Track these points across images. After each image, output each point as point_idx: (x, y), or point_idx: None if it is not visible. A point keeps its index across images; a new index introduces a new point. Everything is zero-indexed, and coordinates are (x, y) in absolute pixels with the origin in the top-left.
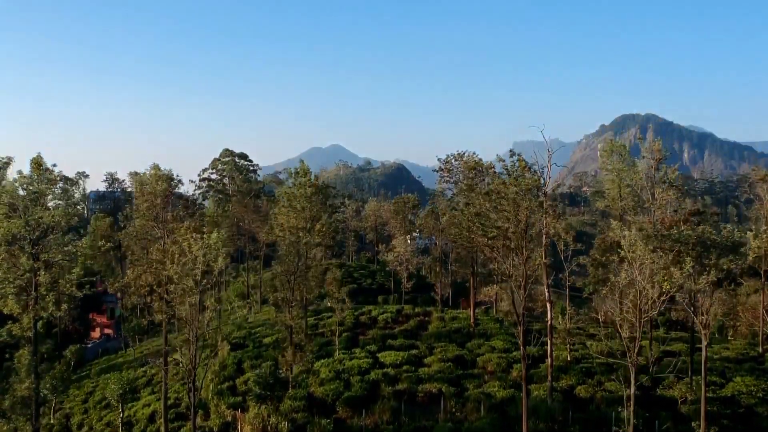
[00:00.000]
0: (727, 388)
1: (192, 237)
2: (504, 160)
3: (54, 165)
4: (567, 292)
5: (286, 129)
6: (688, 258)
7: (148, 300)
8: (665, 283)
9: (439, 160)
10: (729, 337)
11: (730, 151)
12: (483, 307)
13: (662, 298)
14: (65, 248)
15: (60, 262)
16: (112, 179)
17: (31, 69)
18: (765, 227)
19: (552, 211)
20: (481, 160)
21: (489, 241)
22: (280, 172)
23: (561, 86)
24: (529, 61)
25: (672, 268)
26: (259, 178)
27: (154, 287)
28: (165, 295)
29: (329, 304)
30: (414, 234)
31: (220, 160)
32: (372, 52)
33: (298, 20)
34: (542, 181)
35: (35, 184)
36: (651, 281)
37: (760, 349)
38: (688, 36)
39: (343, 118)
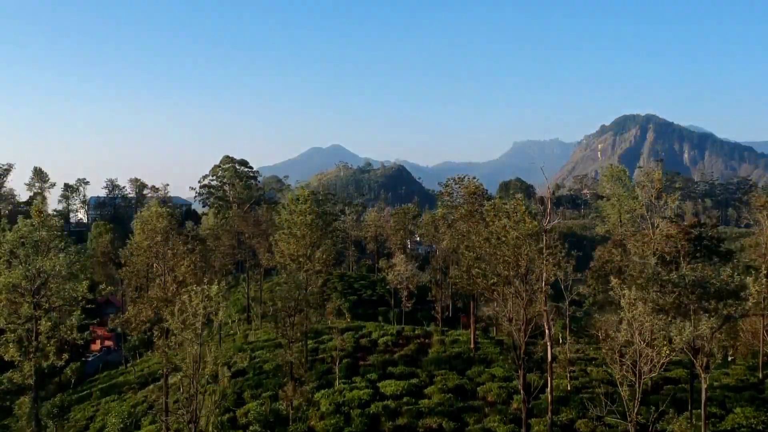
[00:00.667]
0: (726, 420)
1: (193, 290)
2: (504, 199)
3: (53, 184)
4: (568, 322)
5: (287, 129)
6: (687, 324)
7: (149, 334)
8: (664, 348)
9: (439, 184)
10: (729, 357)
11: (731, 152)
12: (483, 324)
13: (662, 362)
14: (66, 294)
15: (61, 307)
16: (112, 186)
17: (30, 72)
18: (765, 270)
19: (551, 258)
20: (481, 185)
21: (490, 285)
22: (282, 180)
23: (561, 86)
24: (529, 61)
25: (673, 322)
26: (259, 185)
27: (155, 325)
28: (166, 348)
29: (330, 324)
30: (415, 239)
31: (220, 166)
32: (373, 52)
33: (300, 21)
34: (542, 223)
35: (37, 232)
36: (650, 343)
37: (760, 375)
38: (689, 36)
39: (344, 118)
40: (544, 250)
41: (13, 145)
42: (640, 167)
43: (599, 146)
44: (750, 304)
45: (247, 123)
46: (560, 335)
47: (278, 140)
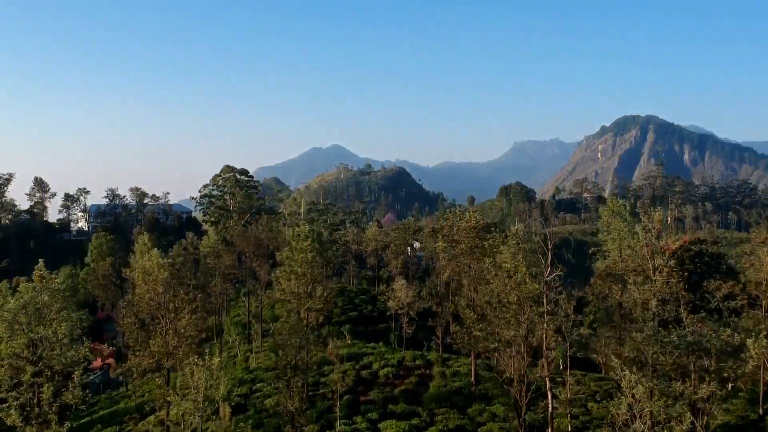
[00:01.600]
0: None
1: (194, 363)
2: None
3: (54, 194)
4: (568, 362)
5: (287, 129)
6: (688, 414)
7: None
8: None
9: (435, 222)
10: (729, 385)
11: (731, 153)
12: (485, 356)
13: None
14: (68, 360)
15: (62, 370)
16: (113, 195)
17: (27, 79)
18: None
19: (552, 324)
20: (482, 219)
21: (492, 347)
22: (282, 182)
23: (562, 86)
24: (529, 61)
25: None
26: (260, 194)
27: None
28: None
29: (330, 352)
30: (415, 246)
31: (221, 175)
32: (373, 52)
33: (300, 20)
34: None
35: (39, 296)
36: (651, 428)
37: (761, 411)
38: (690, 35)
39: (344, 118)
40: (545, 315)
41: (13, 154)
42: (645, 177)
43: (599, 147)
44: (750, 366)
45: (247, 124)
46: (560, 361)
47: (278, 140)
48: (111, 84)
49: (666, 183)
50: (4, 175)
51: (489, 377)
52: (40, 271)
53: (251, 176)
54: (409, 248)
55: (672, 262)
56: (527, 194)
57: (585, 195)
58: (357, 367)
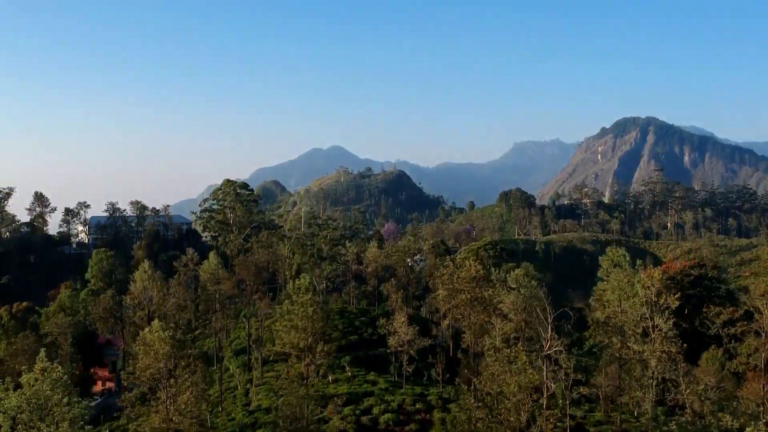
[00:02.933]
0: None
1: None
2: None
3: (54, 209)
4: (568, 409)
5: (287, 130)
6: None
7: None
8: None
9: (435, 229)
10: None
11: (731, 154)
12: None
13: None
14: (72, 417)
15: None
16: (113, 208)
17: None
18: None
19: (552, 418)
20: (481, 269)
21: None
22: (282, 184)
23: (562, 86)
24: (529, 60)
25: None
26: (260, 208)
27: None
28: None
29: (329, 385)
30: (416, 257)
31: (221, 189)
32: (373, 52)
33: (300, 20)
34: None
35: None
36: None
37: None
38: (690, 34)
39: (344, 119)
40: (544, 411)
41: (12, 154)
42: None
43: (599, 149)
44: None
45: (247, 124)
46: (561, 396)
47: (278, 141)
48: (110, 83)
49: (666, 189)
50: (4, 189)
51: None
52: (42, 363)
53: (251, 189)
54: (408, 260)
55: (671, 322)
56: (527, 200)
57: (585, 201)
58: (357, 412)
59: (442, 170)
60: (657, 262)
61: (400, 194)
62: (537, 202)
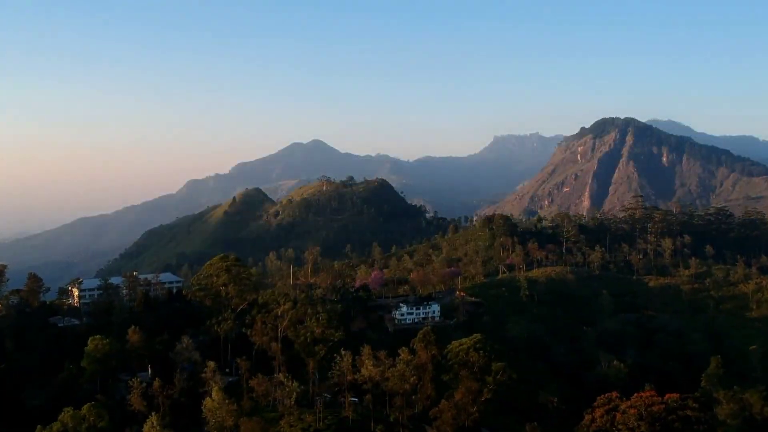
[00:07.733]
0: None
1: None
2: None
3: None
4: None
5: (268, 124)
6: None
7: None
8: None
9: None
10: None
11: (708, 155)
12: None
13: None
14: None
15: None
16: (105, 284)
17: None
18: None
19: None
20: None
21: None
22: (265, 193)
23: (541, 80)
24: (509, 55)
25: None
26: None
27: None
28: None
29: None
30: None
31: (213, 264)
32: (351, 45)
33: (277, 15)
34: None
35: None
36: None
37: None
38: (670, 31)
39: (325, 113)
40: None
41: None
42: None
43: (579, 149)
44: None
45: (227, 118)
46: None
47: (258, 135)
48: (85, 77)
49: (645, 214)
50: None
51: None
52: None
53: (243, 264)
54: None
55: None
56: (510, 228)
57: (567, 228)
58: None
59: (423, 164)
60: (641, 293)
61: (383, 206)
62: (518, 200)
